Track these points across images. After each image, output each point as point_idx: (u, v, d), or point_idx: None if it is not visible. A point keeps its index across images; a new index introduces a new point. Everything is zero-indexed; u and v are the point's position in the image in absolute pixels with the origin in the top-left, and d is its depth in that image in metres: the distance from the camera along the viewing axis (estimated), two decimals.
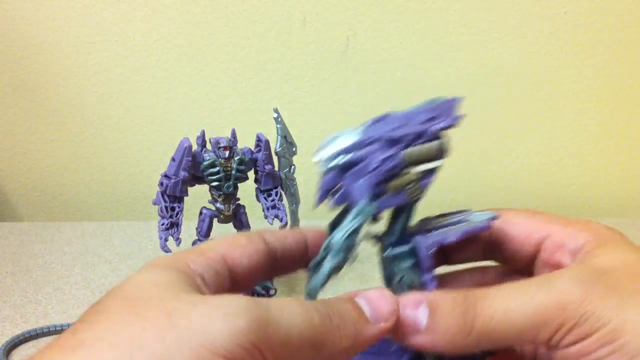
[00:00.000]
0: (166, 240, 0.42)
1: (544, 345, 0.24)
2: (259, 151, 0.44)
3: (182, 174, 0.41)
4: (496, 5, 0.65)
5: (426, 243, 0.28)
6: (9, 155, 0.69)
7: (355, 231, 0.27)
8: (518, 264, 0.30)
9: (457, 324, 0.24)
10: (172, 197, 0.42)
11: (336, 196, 0.28)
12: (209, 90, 0.67)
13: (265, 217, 0.44)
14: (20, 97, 0.67)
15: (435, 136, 0.28)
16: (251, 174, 0.44)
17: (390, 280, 0.29)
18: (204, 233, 0.44)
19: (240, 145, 0.43)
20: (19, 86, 0.66)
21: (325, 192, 0.27)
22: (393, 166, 0.27)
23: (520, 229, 0.29)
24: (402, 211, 0.29)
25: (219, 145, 0.42)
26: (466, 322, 0.24)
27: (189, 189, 0.43)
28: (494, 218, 0.28)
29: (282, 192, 0.45)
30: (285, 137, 0.43)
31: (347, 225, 0.27)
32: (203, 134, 0.43)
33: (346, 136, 0.28)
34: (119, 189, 0.71)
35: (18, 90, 0.66)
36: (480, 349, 0.25)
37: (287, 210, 0.44)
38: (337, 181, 0.27)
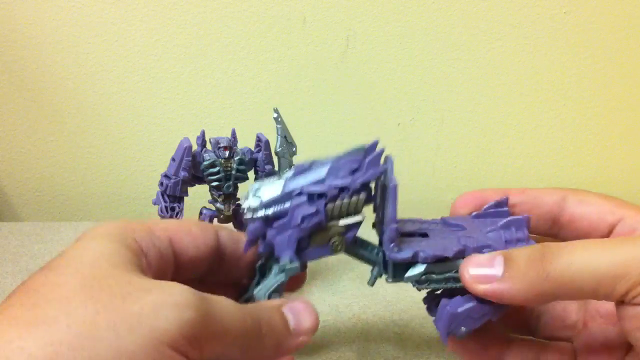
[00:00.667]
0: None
1: (617, 299, 0.24)
2: (259, 151, 0.44)
3: (182, 174, 0.41)
4: (496, 5, 0.65)
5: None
6: (9, 155, 0.69)
7: (277, 288, 0.28)
8: None
9: (535, 271, 0.24)
10: (172, 197, 0.42)
11: (262, 245, 0.28)
12: (209, 90, 0.67)
13: None
14: (20, 97, 0.67)
15: (359, 189, 0.28)
16: (251, 174, 0.44)
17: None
18: None
19: (240, 145, 0.43)
20: (19, 86, 0.66)
21: (253, 241, 0.28)
22: (316, 222, 0.27)
23: (595, 210, 0.29)
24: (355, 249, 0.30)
25: (219, 145, 0.42)
26: (544, 268, 0.24)
27: (189, 189, 0.43)
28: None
29: None
30: (285, 137, 0.43)
31: (271, 281, 0.28)
32: (203, 134, 0.43)
33: (271, 186, 0.28)
34: (119, 189, 0.71)
35: (18, 90, 0.66)
36: (556, 299, 0.25)
37: None
38: (263, 230, 0.28)
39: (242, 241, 0.29)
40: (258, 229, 0.28)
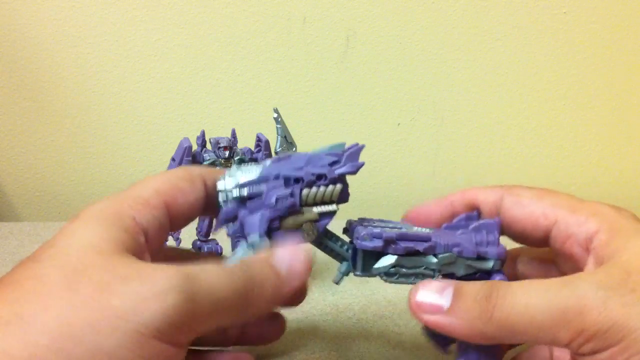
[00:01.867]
0: (166, 240, 0.42)
1: (565, 348, 0.23)
2: (259, 151, 0.44)
3: None
4: (496, 5, 0.65)
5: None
6: (9, 155, 0.69)
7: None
8: (533, 246, 0.29)
9: (479, 309, 0.24)
10: None
11: (232, 226, 0.28)
12: (209, 90, 0.67)
13: None
14: (20, 97, 0.67)
15: (336, 180, 0.29)
16: None
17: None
18: (204, 233, 0.44)
19: (240, 145, 0.43)
20: (19, 86, 0.66)
21: (225, 221, 0.28)
22: (290, 204, 0.27)
23: (528, 213, 0.28)
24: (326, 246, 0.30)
25: (219, 145, 0.42)
26: (488, 308, 0.24)
27: None
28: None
29: None
30: (285, 137, 0.43)
31: (240, 252, 0.27)
32: (203, 134, 0.43)
33: (248, 170, 0.28)
34: (119, 189, 0.71)
35: (18, 90, 0.66)
36: (500, 342, 0.24)
37: None
38: (235, 212, 0.28)
39: None
40: (231, 211, 0.28)
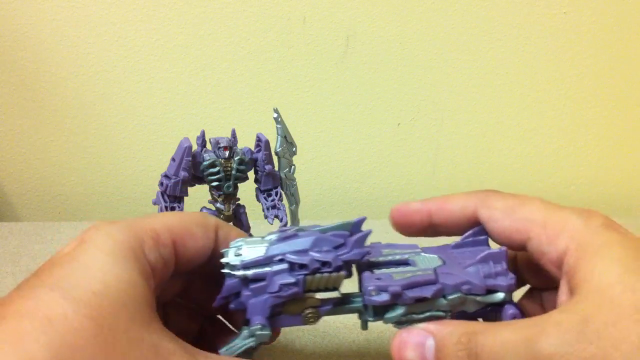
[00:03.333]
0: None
1: None
2: (259, 151, 0.44)
3: (182, 174, 0.41)
4: (496, 5, 0.65)
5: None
6: (9, 155, 0.69)
7: (247, 351, 0.28)
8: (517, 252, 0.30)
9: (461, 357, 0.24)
10: (172, 197, 0.42)
11: (234, 302, 0.28)
12: (209, 90, 0.67)
13: (265, 217, 0.44)
14: (20, 97, 0.67)
15: (340, 267, 0.28)
16: (251, 174, 0.44)
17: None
18: None
19: (240, 145, 0.43)
20: (19, 86, 0.66)
21: (227, 296, 0.28)
22: (293, 293, 0.27)
23: (501, 228, 0.28)
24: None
25: (219, 145, 0.42)
26: (471, 352, 0.24)
27: (189, 189, 0.43)
28: (435, 270, 0.29)
29: (282, 192, 0.45)
30: (285, 137, 0.43)
31: (239, 343, 0.27)
32: (203, 134, 0.43)
33: (253, 247, 0.28)
34: (119, 189, 0.71)
35: (18, 90, 0.66)
36: None
37: (287, 210, 0.44)
38: (239, 289, 0.28)
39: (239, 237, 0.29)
40: (234, 287, 0.28)
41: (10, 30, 0.64)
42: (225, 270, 0.28)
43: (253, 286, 0.27)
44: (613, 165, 0.74)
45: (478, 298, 0.29)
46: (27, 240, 0.59)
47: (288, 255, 0.27)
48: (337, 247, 0.28)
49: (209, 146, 0.43)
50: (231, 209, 0.43)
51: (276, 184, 0.44)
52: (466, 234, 0.31)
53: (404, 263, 0.30)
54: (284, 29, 0.65)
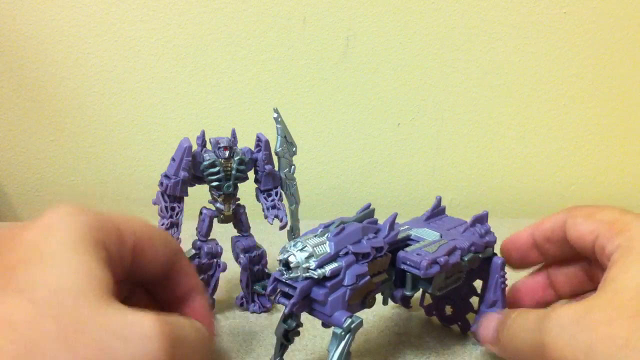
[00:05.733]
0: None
1: None
2: (259, 151, 0.44)
3: (182, 174, 0.41)
4: (496, 5, 0.65)
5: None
6: (9, 155, 0.69)
7: (349, 350, 0.29)
8: (591, 257, 0.32)
9: (495, 338, 0.31)
10: (172, 197, 0.42)
11: (293, 306, 0.29)
12: (209, 90, 0.67)
13: (265, 217, 0.44)
14: (20, 97, 0.67)
15: (387, 250, 0.32)
16: (251, 174, 0.44)
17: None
18: (204, 233, 0.44)
19: (240, 145, 0.43)
20: (19, 86, 0.66)
21: (302, 298, 0.29)
22: (366, 281, 0.30)
23: (580, 231, 0.31)
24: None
25: (219, 145, 0.42)
26: (497, 337, 0.30)
27: (189, 189, 0.43)
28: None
29: (282, 192, 0.45)
30: (285, 137, 0.43)
31: (340, 347, 0.28)
32: (203, 134, 0.43)
33: (319, 242, 0.29)
34: (119, 189, 0.71)
35: (18, 90, 0.66)
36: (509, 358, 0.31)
37: (287, 210, 0.44)
38: (310, 289, 0.29)
39: (191, 274, 0.30)
40: (307, 288, 0.29)
41: (10, 30, 0.64)
42: (294, 272, 0.29)
43: (330, 283, 0.28)
44: (613, 165, 0.74)
45: (480, 255, 0.35)
46: None
47: (350, 248, 0.30)
48: (376, 233, 0.32)
49: (209, 146, 0.43)
50: (231, 209, 0.43)
51: (276, 184, 0.44)
52: (431, 208, 0.37)
53: (410, 239, 0.34)
54: (284, 29, 0.65)
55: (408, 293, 0.33)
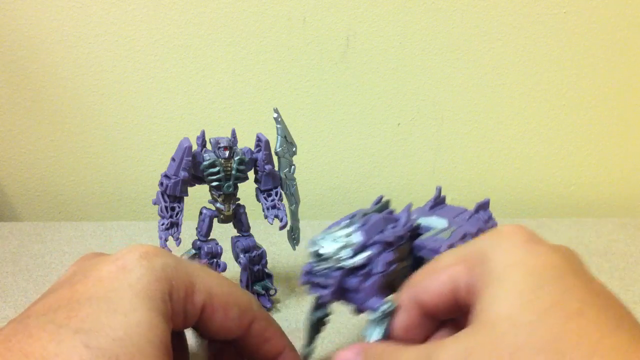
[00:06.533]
0: (166, 240, 0.42)
1: None
2: (259, 151, 0.44)
3: (182, 174, 0.41)
4: (496, 5, 0.65)
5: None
6: (9, 155, 0.69)
7: (386, 330, 0.29)
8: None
9: None
10: (172, 197, 0.42)
11: (328, 294, 0.30)
12: (209, 90, 0.67)
13: (265, 217, 0.44)
14: (20, 97, 0.67)
15: (407, 237, 0.33)
16: (251, 174, 0.44)
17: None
18: (204, 233, 0.44)
19: (240, 145, 0.43)
20: (19, 86, 0.66)
21: (338, 289, 0.30)
22: (394, 268, 0.31)
23: (433, 292, 0.26)
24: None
25: (219, 145, 0.42)
26: None
27: (189, 189, 0.43)
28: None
29: (282, 192, 0.45)
30: (285, 137, 0.43)
31: (377, 328, 0.29)
32: (203, 134, 0.43)
33: (349, 233, 0.30)
34: (119, 189, 0.71)
35: (18, 90, 0.66)
36: None
37: (287, 210, 0.44)
38: (344, 277, 0.30)
39: (272, 339, 0.29)
40: (341, 278, 0.30)
41: (10, 30, 0.64)
42: (330, 262, 0.29)
43: (362, 271, 0.30)
44: (613, 165, 0.74)
45: None
46: (27, 240, 0.59)
47: (376, 237, 0.30)
48: (394, 222, 0.33)
49: (209, 146, 0.43)
50: (231, 209, 0.43)
51: (276, 184, 0.44)
52: (433, 197, 0.38)
53: (420, 227, 0.35)
54: (284, 29, 0.65)
55: None
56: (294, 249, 0.45)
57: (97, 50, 0.65)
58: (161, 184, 0.42)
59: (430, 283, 0.26)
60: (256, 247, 0.45)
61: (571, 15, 0.66)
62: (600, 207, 0.75)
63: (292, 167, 0.44)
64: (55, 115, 0.68)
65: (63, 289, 0.23)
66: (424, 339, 0.28)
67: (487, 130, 0.71)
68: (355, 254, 0.30)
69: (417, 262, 0.34)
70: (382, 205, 0.34)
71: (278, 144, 0.43)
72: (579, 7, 0.66)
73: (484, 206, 0.38)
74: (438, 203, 0.39)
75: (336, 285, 0.29)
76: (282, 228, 0.44)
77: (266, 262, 0.46)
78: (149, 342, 0.22)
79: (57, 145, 0.69)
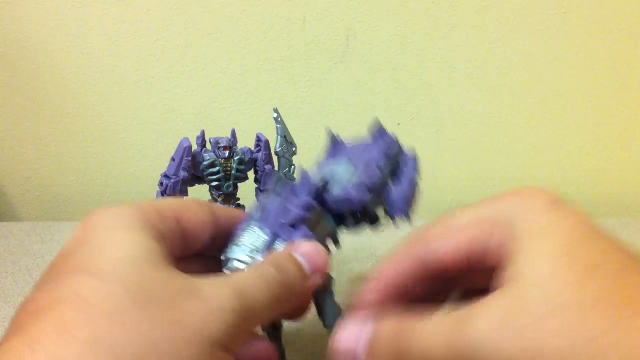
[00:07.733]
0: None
1: None
2: (259, 151, 0.44)
3: (182, 174, 0.41)
4: (496, 5, 0.65)
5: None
6: (9, 155, 0.69)
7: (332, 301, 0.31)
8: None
9: (392, 355, 0.24)
10: (172, 197, 0.42)
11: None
12: (209, 90, 0.67)
13: None
14: (19, 97, 0.67)
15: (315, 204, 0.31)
16: (251, 174, 0.44)
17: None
18: None
19: (240, 145, 0.43)
20: (19, 86, 0.66)
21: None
22: (315, 238, 0.30)
23: (446, 249, 0.26)
24: None
25: (219, 145, 0.42)
26: (400, 350, 0.23)
27: (189, 189, 0.43)
28: None
29: None
30: (285, 137, 0.43)
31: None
32: (203, 134, 0.43)
33: (252, 237, 0.29)
34: (119, 189, 0.71)
35: (17, 90, 0.66)
36: None
37: None
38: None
39: (237, 217, 0.30)
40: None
41: (10, 31, 0.64)
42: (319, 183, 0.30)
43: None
44: (613, 165, 0.74)
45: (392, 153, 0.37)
46: (27, 240, 0.59)
47: (283, 221, 0.29)
48: (296, 196, 0.31)
49: (209, 146, 0.43)
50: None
51: None
52: (329, 144, 0.38)
53: (327, 183, 0.33)
54: (284, 29, 0.65)
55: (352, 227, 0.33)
56: None
57: (97, 50, 0.65)
58: (161, 184, 0.42)
59: (443, 244, 0.25)
60: None
61: (571, 15, 0.66)
62: (601, 207, 0.75)
63: (292, 167, 0.44)
64: (55, 115, 0.68)
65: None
66: (408, 302, 0.27)
67: (487, 130, 0.71)
68: (268, 251, 0.28)
69: (337, 218, 0.32)
70: (276, 184, 0.31)
71: (278, 144, 0.43)
72: (579, 7, 0.66)
73: (380, 132, 0.37)
74: (336, 147, 0.37)
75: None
76: None
77: None
78: (151, 257, 0.23)
79: (57, 145, 0.69)
